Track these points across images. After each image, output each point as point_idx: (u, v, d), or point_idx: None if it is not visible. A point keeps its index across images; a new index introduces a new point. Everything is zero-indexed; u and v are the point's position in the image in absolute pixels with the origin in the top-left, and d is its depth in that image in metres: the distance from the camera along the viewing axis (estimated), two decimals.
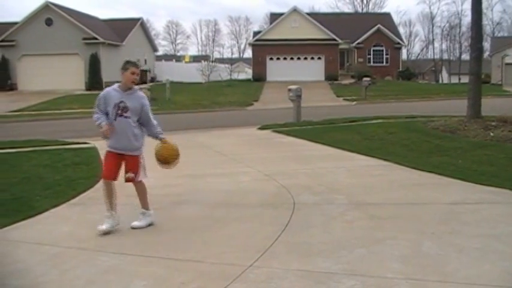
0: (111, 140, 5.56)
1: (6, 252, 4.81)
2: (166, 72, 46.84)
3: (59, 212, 6.34)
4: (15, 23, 40.95)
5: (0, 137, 15.88)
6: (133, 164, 5.62)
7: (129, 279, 4.25)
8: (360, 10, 75.29)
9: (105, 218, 5.47)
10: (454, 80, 67.68)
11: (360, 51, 50.25)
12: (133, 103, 5.51)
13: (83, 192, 7.42)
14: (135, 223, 5.62)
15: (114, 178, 5.59)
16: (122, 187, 5.81)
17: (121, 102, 5.46)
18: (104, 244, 5.12)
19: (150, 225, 5.66)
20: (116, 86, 5.59)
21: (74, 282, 4.24)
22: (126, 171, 5.61)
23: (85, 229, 5.65)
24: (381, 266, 4.31)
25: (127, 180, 5.65)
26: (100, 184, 7.92)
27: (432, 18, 76.01)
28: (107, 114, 5.50)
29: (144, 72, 46.21)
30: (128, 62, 5.63)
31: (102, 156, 10.29)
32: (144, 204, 5.75)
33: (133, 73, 5.48)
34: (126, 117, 5.48)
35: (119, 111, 5.47)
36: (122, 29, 45.58)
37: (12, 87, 40.60)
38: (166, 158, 5.61)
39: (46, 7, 40.19)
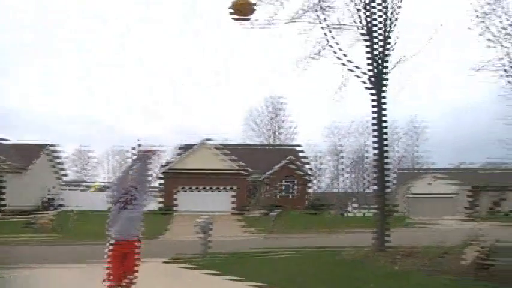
0: None
1: None
2: (73, 200, 44.93)
3: None
4: None
5: None
6: None
7: None
8: (271, 141, 76.98)
9: None
10: (364, 211, 69.43)
11: (271, 183, 50.26)
12: None
13: None
14: None
15: None
16: None
17: None
18: None
19: None
20: None
21: None
22: None
23: None
24: None
25: None
26: None
27: (337, 153, 78.94)
28: None
29: (48, 200, 44.20)
30: None
31: None
32: None
33: None
34: None
35: None
36: (28, 153, 43.88)
37: None
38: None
39: None
